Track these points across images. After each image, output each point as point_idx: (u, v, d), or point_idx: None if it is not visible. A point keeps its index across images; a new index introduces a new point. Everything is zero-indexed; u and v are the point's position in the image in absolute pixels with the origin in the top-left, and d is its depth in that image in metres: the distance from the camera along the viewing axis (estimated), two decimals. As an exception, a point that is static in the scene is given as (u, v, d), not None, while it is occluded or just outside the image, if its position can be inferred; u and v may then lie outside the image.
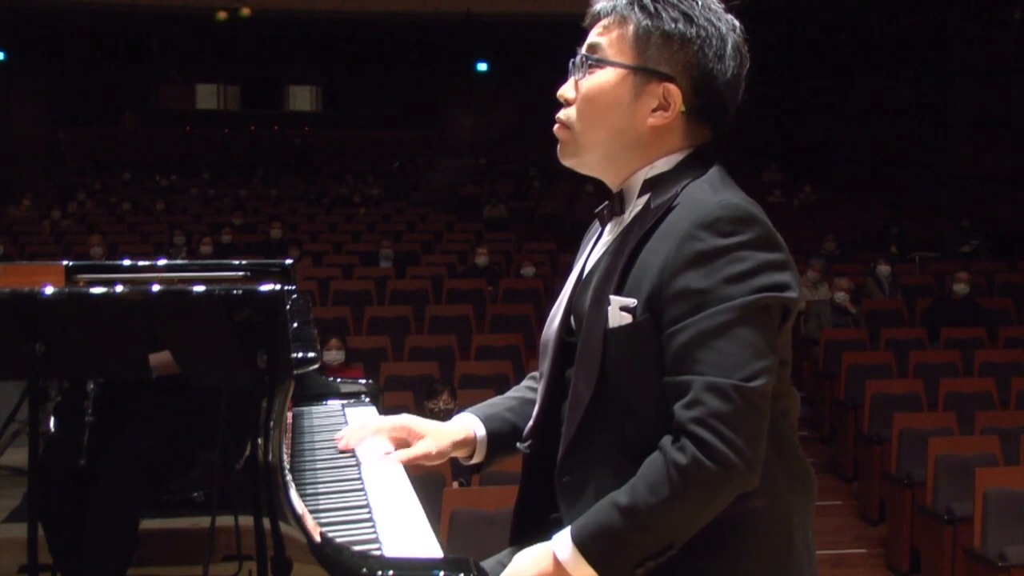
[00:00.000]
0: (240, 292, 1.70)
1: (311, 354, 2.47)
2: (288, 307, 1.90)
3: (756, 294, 1.51)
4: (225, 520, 1.63)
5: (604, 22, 1.67)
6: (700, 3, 1.63)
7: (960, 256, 12.25)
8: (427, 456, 1.76)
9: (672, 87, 1.62)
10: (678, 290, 1.52)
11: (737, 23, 1.66)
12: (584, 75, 1.66)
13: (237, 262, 3.25)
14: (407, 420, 1.81)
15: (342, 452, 1.96)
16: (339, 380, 3.13)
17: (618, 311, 1.58)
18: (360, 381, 3.17)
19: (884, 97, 17.06)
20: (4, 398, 1.65)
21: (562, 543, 1.55)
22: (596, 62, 1.66)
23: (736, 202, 1.57)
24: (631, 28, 1.63)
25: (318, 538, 1.64)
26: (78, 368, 1.66)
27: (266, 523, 1.63)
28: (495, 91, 24.14)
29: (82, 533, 1.65)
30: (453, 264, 11.93)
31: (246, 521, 1.63)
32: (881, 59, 17.20)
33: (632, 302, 1.57)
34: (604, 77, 1.65)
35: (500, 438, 1.84)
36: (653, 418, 1.54)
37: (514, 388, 1.95)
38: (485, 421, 1.84)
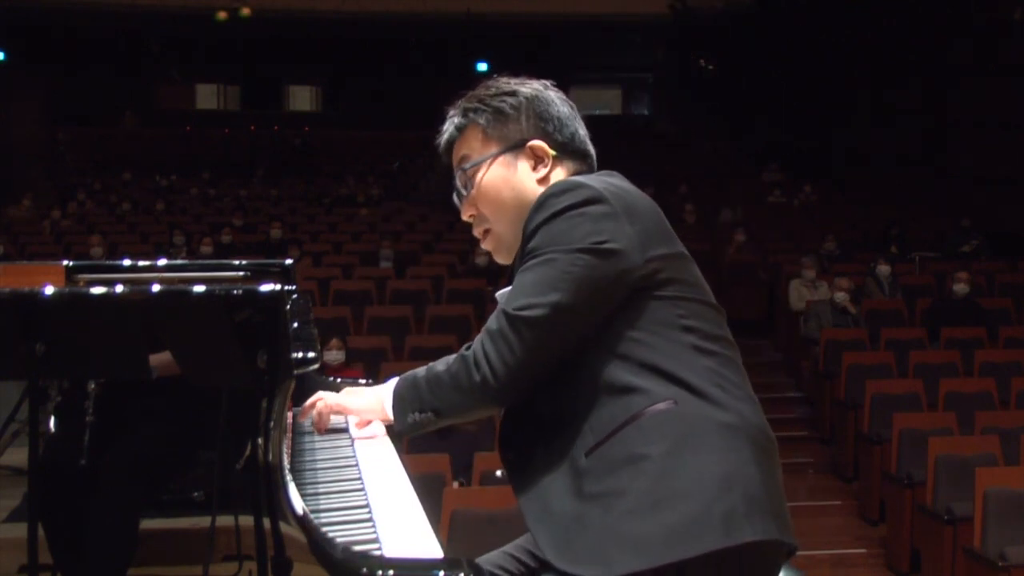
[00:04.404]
0: (240, 292, 1.70)
1: (311, 354, 2.46)
2: (288, 307, 1.90)
3: (570, 244, 1.69)
4: (225, 520, 1.63)
5: (458, 142, 1.96)
6: (511, 81, 1.97)
7: (960, 256, 12.23)
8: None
9: (534, 143, 1.89)
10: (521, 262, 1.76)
11: (546, 82, 1.98)
12: (469, 189, 1.92)
13: (237, 262, 3.24)
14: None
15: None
16: (339, 380, 3.12)
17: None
18: (360, 381, 3.16)
19: (884, 97, 17.04)
20: (4, 398, 1.65)
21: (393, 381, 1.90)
22: (472, 167, 1.91)
23: (564, 178, 1.83)
24: (478, 129, 1.93)
25: (318, 538, 1.64)
26: (78, 368, 1.66)
27: (266, 523, 1.63)
28: (495, 91, 24.06)
29: (82, 533, 1.65)
30: (453, 264, 11.92)
31: (246, 521, 1.63)
32: (881, 59, 17.19)
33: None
34: (485, 174, 1.90)
35: None
36: (575, 388, 1.72)
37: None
38: None
